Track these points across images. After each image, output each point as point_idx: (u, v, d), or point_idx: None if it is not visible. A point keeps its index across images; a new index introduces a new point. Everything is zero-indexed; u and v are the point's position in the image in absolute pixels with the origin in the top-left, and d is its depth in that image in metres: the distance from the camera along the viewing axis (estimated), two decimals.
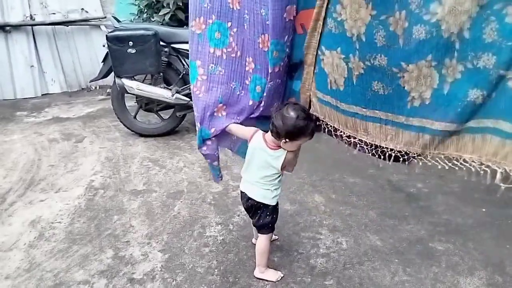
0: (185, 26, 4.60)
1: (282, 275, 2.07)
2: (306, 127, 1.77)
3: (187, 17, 4.74)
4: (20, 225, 2.61)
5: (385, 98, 1.61)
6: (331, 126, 1.89)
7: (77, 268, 2.20)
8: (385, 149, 1.70)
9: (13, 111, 5.16)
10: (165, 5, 4.71)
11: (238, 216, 2.61)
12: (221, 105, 2.02)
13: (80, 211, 2.76)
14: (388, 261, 2.16)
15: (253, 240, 2.31)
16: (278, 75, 1.95)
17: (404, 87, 1.54)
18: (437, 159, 1.57)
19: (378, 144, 1.72)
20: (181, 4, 4.70)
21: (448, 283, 1.99)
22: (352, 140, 1.80)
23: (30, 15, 5.54)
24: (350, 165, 3.15)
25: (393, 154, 1.68)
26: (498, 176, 1.37)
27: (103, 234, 2.49)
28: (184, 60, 3.84)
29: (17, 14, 5.50)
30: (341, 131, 1.84)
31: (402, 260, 2.16)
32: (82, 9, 5.78)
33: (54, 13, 5.67)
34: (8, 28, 5.50)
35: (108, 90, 5.23)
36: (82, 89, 6.12)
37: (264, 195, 1.94)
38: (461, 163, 1.50)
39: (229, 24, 1.93)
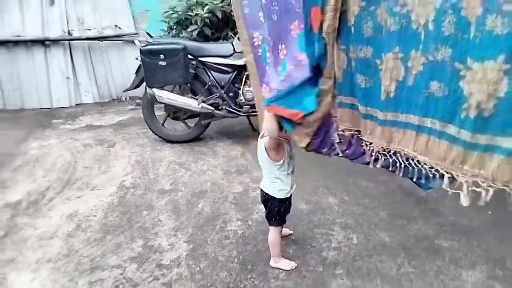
0: (211, 41, 4.92)
1: (295, 265, 2.25)
2: None
3: (213, 33, 5.10)
4: (59, 218, 2.89)
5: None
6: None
7: (111, 255, 2.44)
8: (367, 143, 1.75)
9: (49, 119, 5.54)
10: (193, 22, 5.04)
11: (257, 213, 2.82)
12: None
13: (113, 207, 3.02)
14: (395, 255, 2.32)
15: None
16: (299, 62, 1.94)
17: (381, 80, 1.58)
18: (398, 156, 1.61)
19: (362, 138, 1.78)
20: (208, 21, 5.02)
21: (450, 275, 2.14)
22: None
23: (68, 30, 5.98)
24: (363, 170, 3.26)
25: (371, 148, 1.72)
26: (446, 181, 1.42)
27: (134, 227, 2.74)
28: (210, 72, 4.13)
29: (56, 29, 5.95)
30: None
31: (408, 254, 2.32)
32: (116, 25, 6.19)
33: (89, 29, 6.10)
34: (47, 42, 5.95)
35: (137, 101, 5.56)
36: (113, 99, 6.50)
37: (270, 187, 2.16)
38: (415, 164, 1.53)
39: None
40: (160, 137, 4.39)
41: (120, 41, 6.28)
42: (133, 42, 6.22)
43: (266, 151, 2.06)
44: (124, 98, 6.47)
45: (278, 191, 2.15)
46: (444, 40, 1.33)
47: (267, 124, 1.96)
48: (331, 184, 3.20)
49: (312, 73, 1.79)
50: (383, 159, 1.72)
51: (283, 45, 2.01)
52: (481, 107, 1.28)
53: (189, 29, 5.05)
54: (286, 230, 2.50)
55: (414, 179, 1.66)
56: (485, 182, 1.33)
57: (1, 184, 3.45)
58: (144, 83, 4.17)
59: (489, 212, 2.70)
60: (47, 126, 5.18)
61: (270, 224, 2.24)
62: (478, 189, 1.36)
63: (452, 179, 1.45)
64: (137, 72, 4.31)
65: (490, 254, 2.30)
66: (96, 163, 3.88)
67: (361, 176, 3.29)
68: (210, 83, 4.15)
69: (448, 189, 1.46)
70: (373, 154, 1.75)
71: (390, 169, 1.72)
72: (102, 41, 6.15)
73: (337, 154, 1.95)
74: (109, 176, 3.58)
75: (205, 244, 2.51)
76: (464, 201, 1.41)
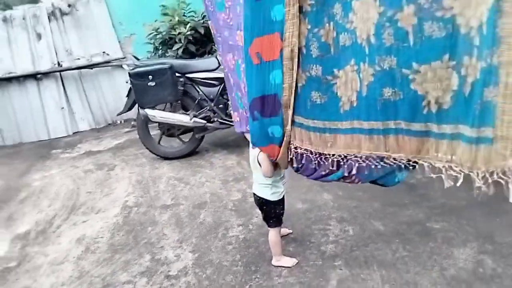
0: (196, 57, 5.07)
1: (296, 261, 2.36)
2: None
3: (197, 49, 5.25)
4: (67, 243, 3.00)
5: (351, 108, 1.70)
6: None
7: (121, 272, 2.55)
8: (328, 155, 1.86)
9: (49, 150, 5.67)
10: (177, 41, 5.19)
11: (256, 217, 2.94)
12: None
13: (119, 227, 3.13)
14: (390, 241, 2.44)
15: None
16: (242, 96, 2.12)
17: (337, 93, 1.70)
18: (370, 159, 1.70)
19: (321, 152, 1.88)
20: (191, 39, 5.18)
21: (443, 255, 2.26)
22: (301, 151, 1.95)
23: (58, 62, 6.13)
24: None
25: (335, 160, 1.82)
26: (426, 169, 1.54)
27: (140, 243, 2.85)
28: (198, 87, 4.27)
29: (46, 62, 6.11)
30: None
31: (402, 240, 2.44)
32: (104, 52, 6.33)
33: (78, 58, 6.25)
34: (39, 76, 6.10)
35: (132, 123, 5.69)
36: (109, 124, 6.62)
37: (264, 192, 2.26)
38: (392, 160, 1.63)
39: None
40: (157, 155, 4.51)
41: (110, 67, 6.43)
42: (121, 66, 6.38)
43: (259, 163, 2.17)
44: (119, 122, 6.60)
45: (271, 194, 2.26)
46: (387, 50, 1.47)
47: (262, 164, 2.13)
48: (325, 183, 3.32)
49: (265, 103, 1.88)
50: (345, 166, 1.81)
51: (229, 74, 2.19)
52: (440, 102, 1.42)
53: (174, 48, 5.20)
54: (285, 230, 2.62)
55: (378, 180, 1.77)
56: (457, 167, 1.46)
57: (9, 217, 3.57)
58: (137, 105, 4.31)
59: (476, 191, 2.81)
60: (47, 157, 5.31)
61: (268, 226, 2.36)
62: (454, 173, 1.48)
63: (431, 166, 1.56)
64: (128, 95, 4.45)
65: (479, 231, 2.42)
66: (98, 187, 4.00)
67: None
68: (199, 98, 4.28)
69: (432, 175, 1.57)
70: (334, 164, 1.84)
71: (351, 178, 1.83)
72: (92, 68, 6.29)
73: (296, 171, 2.07)
74: (112, 198, 3.69)
75: (209, 251, 2.62)
76: (446, 183, 1.53)
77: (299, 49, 1.73)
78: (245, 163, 3.97)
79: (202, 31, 5.19)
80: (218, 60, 4.21)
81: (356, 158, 1.77)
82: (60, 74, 6.20)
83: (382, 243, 2.44)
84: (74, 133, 6.41)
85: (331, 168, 1.87)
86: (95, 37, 6.29)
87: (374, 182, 1.85)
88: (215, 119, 4.29)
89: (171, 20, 5.45)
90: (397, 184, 1.80)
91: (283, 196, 2.30)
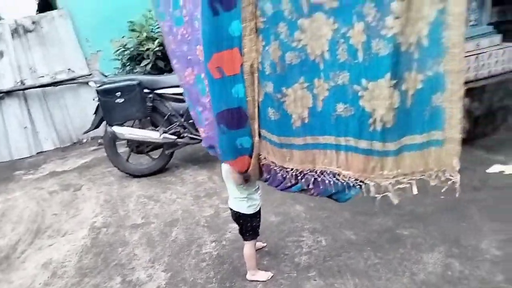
0: (165, 73, 5.04)
1: (271, 275, 2.36)
2: None
3: (166, 65, 5.22)
4: (33, 269, 2.88)
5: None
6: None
7: None
8: (289, 169, 1.89)
9: (11, 171, 5.46)
10: (145, 57, 5.16)
11: (230, 232, 2.92)
12: None
13: (87, 249, 3.03)
14: (361, 250, 2.47)
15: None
16: (204, 109, 2.14)
17: (287, 111, 1.73)
18: (325, 174, 1.72)
19: (282, 166, 1.91)
20: (160, 54, 5.16)
21: (413, 260, 2.31)
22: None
23: (21, 80, 5.95)
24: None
25: (293, 174, 1.86)
26: (372, 189, 1.59)
27: (110, 265, 2.77)
28: (168, 103, 4.23)
29: (8, 81, 5.92)
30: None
31: (373, 248, 2.48)
32: (69, 69, 6.21)
33: (42, 76, 6.09)
34: (1, 94, 5.89)
35: (99, 141, 5.57)
36: (74, 143, 6.45)
37: (239, 206, 2.26)
38: (343, 177, 1.65)
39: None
40: (126, 173, 4.42)
41: (75, 84, 6.30)
42: (87, 83, 6.26)
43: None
44: (85, 140, 6.45)
45: (247, 207, 2.26)
46: (341, 66, 1.52)
47: (232, 175, 2.15)
48: (296, 194, 3.31)
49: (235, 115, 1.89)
50: (303, 181, 1.85)
51: (188, 90, 2.22)
52: (384, 120, 1.47)
53: (142, 64, 5.17)
54: (259, 244, 2.61)
55: (333, 195, 1.81)
56: (405, 178, 1.52)
57: None
58: (104, 122, 4.23)
59: (442, 197, 2.90)
60: (9, 179, 5.11)
61: (244, 239, 2.34)
62: (402, 186, 1.54)
63: (377, 185, 1.61)
64: (95, 112, 4.36)
65: (446, 236, 2.49)
66: (64, 209, 3.87)
67: None
68: (169, 113, 4.24)
69: (376, 195, 1.62)
70: (293, 177, 1.87)
71: (310, 192, 1.87)
72: (56, 86, 6.15)
73: (265, 181, 2.10)
74: (79, 220, 3.58)
75: (183, 270, 2.57)
76: (394, 199, 1.58)
77: (257, 65, 1.75)
78: (217, 178, 3.95)
79: None
80: None
81: (311, 173, 1.80)
82: (24, 93, 6.02)
83: (354, 252, 2.47)
84: (38, 153, 6.20)
85: (293, 181, 1.89)
86: (60, 54, 6.16)
87: (330, 197, 1.88)
88: (185, 134, 4.25)
89: (139, 36, 5.42)
90: (348, 200, 1.83)
91: (259, 209, 2.31)
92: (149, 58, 5.15)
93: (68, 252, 3.03)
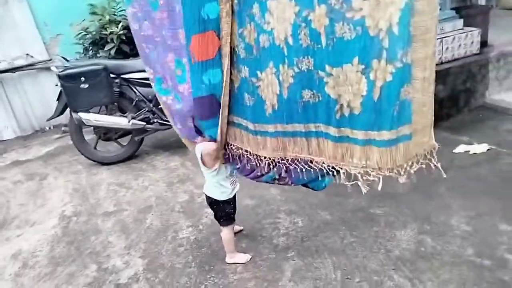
0: (130, 58, 4.89)
1: (250, 257, 2.39)
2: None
3: (131, 49, 5.07)
4: (1, 260, 2.78)
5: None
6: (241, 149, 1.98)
7: (65, 285, 2.42)
8: (262, 157, 1.89)
9: None
10: (109, 41, 4.98)
11: (206, 217, 2.91)
12: None
13: (58, 238, 2.95)
14: (337, 229, 2.54)
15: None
16: (183, 97, 2.06)
17: (261, 96, 1.71)
18: (296, 162, 1.72)
19: (255, 153, 1.91)
20: (124, 38, 4.99)
21: (387, 237, 2.40)
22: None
23: None
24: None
25: (266, 162, 1.84)
26: (341, 176, 1.61)
27: (84, 253, 2.71)
28: (136, 88, 4.12)
29: None
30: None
31: (348, 227, 2.55)
32: (27, 54, 5.89)
33: None
34: None
35: (63, 128, 5.31)
36: (36, 131, 6.17)
37: (212, 191, 2.26)
38: (315, 164, 1.65)
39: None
40: (94, 161, 4.29)
41: (34, 70, 6.00)
42: (48, 69, 5.98)
43: (201, 159, 2.15)
44: (47, 128, 6.18)
45: (220, 193, 2.26)
46: (304, 51, 1.46)
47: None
48: None
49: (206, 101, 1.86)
50: (275, 169, 1.85)
51: (167, 76, 2.13)
52: (351, 106, 1.43)
53: (106, 48, 4.98)
54: (236, 227, 2.62)
55: (308, 183, 1.83)
56: (373, 171, 1.52)
57: None
58: (68, 109, 4.07)
59: (412, 177, 3.01)
60: None
61: (220, 225, 2.35)
62: (371, 178, 1.56)
63: (347, 173, 1.63)
64: (58, 98, 4.18)
65: (417, 214, 2.59)
66: (30, 199, 3.73)
67: None
68: (137, 99, 4.13)
69: (347, 183, 1.65)
70: (266, 166, 1.86)
71: (284, 180, 1.88)
72: (14, 72, 5.83)
73: (236, 170, 2.11)
74: (47, 209, 3.46)
75: (160, 255, 2.55)
76: (363, 189, 1.60)
77: (233, 48, 1.69)
78: (189, 163, 3.91)
79: None
80: None
81: (283, 161, 1.79)
82: None
83: (330, 232, 2.53)
84: None
85: (265, 170, 1.89)
86: (17, 39, 5.82)
87: (305, 186, 1.90)
88: (155, 120, 4.17)
89: (101, 19, 5.21)
90: (324, 188, 1.85)
91: (234, 196, 2.30)
92: (113, 42, 4.96)
93: (39, 242, 2.93)
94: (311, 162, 1.70)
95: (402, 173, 1.47)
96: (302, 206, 2.86)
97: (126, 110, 4.15)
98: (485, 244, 2.22)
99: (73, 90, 3.83)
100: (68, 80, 3.80)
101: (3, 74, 5.81)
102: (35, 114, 6.13)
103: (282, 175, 1.86)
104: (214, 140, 2.01)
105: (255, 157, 1.91)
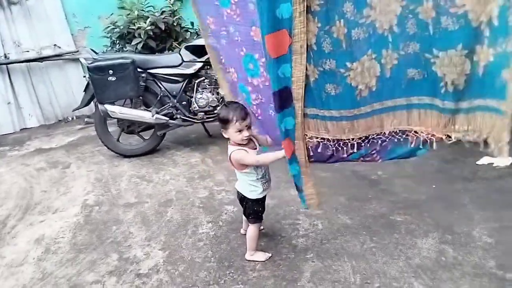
0: (156, 53, 4.98)
1: (269, 256, 2.41)
2: (227, 114, 2.15)
3: (157, 45, 5.15)
4: (25, 244, 2.85)
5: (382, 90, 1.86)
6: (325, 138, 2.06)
7: (87, 272, 2.46)
8: (347, 140, 2.00)
9: None
10: (136, 35, 5.06)
11: (226, 214, 2.94)
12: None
13: (80, 226, 3.01)
14: (357, 234, 2.54)
15: (241, 231, 2.65)
16: (257, 90, 2.19)
17: (351, 84, 1.86)
18: (393, 134, 1.91)
19: (339, 138, 2.02)
20: (151, 34, 5.07)
21: (407, 245, 2.39)
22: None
23: (4, 54, 5.75)
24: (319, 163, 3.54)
25: (355, 143, 2.00)
26: (445, 140, 1.78)
27: (105, 242, 2.76)
28: (161, 83, 4.19)
29: None
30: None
31: (368, 232, 2.55)
32: (55, 45, 6.03)
33: (27, 51, 5.90)
34: None
35: (86, 119, 5.44)
36: (59, 121, 6.32)
37: (243, 188, 2.33)
38: (413, 134, 1.85)
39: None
40: (116, 153, 4.37)
41: (61, 60, 6.13)
42: (74, 60, 6.11)
43: (231, 161, 2.23)
44: (70, 118, 6.32)
45: (250, 191, 2.31)
46: (411, 37, 1.68)
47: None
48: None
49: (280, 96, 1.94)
50: (368, 145, 2.00)
51: (232, 69, 2.25)
52: (455, 83, 1.66)
53: (133, 43, 5.07)
54: None
55: (398, 157, 1.98)
56: (474, 134, 1.71)
57: None
58: (94, 101, 4.16)
59: (434, 186, 3.00)
60: None
61: (249, 222, 2.39)
62: (469, 140, 1.73)
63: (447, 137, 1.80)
64: (85, 89, 4.28)
65: (439, 223, 2.58)
66: (53, 186, 3.81)
67: (317, 168, 3.48)
68: (162, 94, 4.20)
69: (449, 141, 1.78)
70: (352, 147, 2.03)
71: (371, 157, 2.02)
72: (41, 61, 5.97)
73: (310, 159, 2.16)
74: (70, 197, 3.54)
75: (180, 249, 2.59)
76: (466, 144, 1.75)
77: (310, 46, 1.83)
78: (210, 161, 3.96)
79: (162, 26, 5.11)
80: (181, 56, 4.17)
81: (378, 137, 1.96)
82: (7, 67, 5.82)
83: (350, 236, 2.53)
84: (21, 129, 6.04)
85: (350, 151, 2.04)
86: (46, 29, 5.96)
87: (395, 158, 2.02)
88: (178, 116, 4.23)
89: (129, 14, 5.31)
90: (421, 155, 1.96)
91: (263, 197, 2.35)
92: (140, 37, 5.05)
93: (61, 229, 3.00)
94: (409, 131, 1.88)
95: (494, 142, 1.62)
96: (322, 209, 2.86)
97: (151, 105, 4.22)
98: (507, 256, 2.20)
99: (101, 82, 3.91)
100: (96, 72, 3.89)
101: (31, 63, 5.96)
102: (59, 103, 6.27)
103: (373, 152, 2.00)
104: (292, 135, 2.06)
105: (335, 142, 2.04)
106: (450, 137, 1.78)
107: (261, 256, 2.40)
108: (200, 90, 4.21)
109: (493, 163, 3.18)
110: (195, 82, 4.20)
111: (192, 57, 4.14)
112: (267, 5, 1.73)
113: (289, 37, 1.80)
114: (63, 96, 6.24)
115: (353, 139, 2.01)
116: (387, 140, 1.96)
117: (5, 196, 3.68)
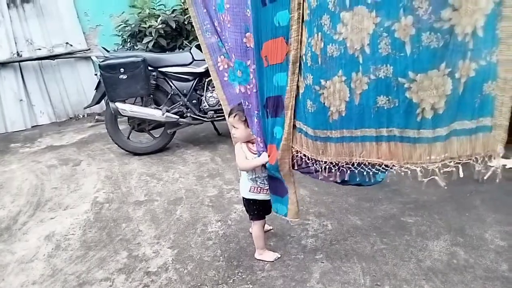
0: (167, 52, 4.99)
1: (279, 256, 2.39)
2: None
3: (168, 43, 5.17)
4: (36, 240, 2.87)
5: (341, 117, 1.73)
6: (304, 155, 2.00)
7: (96, 269, 2.47)
8: (320, 162, 1.91)
9: (7, 143, 5.38)
10: (147, 34, 5.08)
11: (235, 213, 2.94)
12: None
13: (90, 223, 3.03)
14: (367, 235, 2.52)
15: (250, 230, 2.64)
16: (244, 97, 2.15)
17: (324, 103, 1.74)
18: (363, 166, 1.75)
19: (315, 158, 1.93)
20: (162, 32, 5.09)
21: (418, 247, 2.37)
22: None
23: (17, 52, 5.82)
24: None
25: (327, 166, 1.88)
26: (419, 174, 1.59)
27: (115, 240, 2.77)
28: (171, 82, 4.20)
29: (4, 52, 5.78)
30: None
31: (379, 233, 2.53)
32: (67, 43, 6.09)
33: (39, 49, 5.97)
34: None
35: (96, 117, 5.51)
36: (70, 118, 6.38)
37: (241, 185, 2.37)
38: (383, 168, 1.68)
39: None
40: (126, 150, 4.40)
41: (73, 58, 6.19)
42: (86, 58, 6.16)
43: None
44: (81, 116, 6.38)
45: (243, 188, 2.34)
46: (383, 60, 1.50)
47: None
48: (301, 178, 3.34)
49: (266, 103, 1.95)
50: (338, 173, 1.88)
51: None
52: (435, 107, 1.47)
53: (144, 41, 5.09)
54: (266, 226, 2.63)
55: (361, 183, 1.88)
56: (452, 161, 1.54)
57: None
58: (105, 99, 4.19)
59: (445, 188, 2.96)
60: (5, 151, 5.04)
61: (251, 219, 2.38)
62: (448, 169, 1.56)
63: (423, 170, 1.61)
64: (97, 87, 4.31)
65: (450, 225, 2.55)
66: (64, 183, 3.84)
67: None
68: (172, 92, 4.22)
69: (423, 179, 1.61)
70: (326, 170, 1.91)
71: (330, 177, 1.92)
72: (53, 59, 6.03)
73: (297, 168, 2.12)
74: (80, 194, 3.57)
75: (189, 247, 2.59)
76: (441, 182, 1.59)
77: (301, 56, 1.78)
78: (219, 159, 3.96)
79: (173, 25, 5.12)
80: (192, 55, 4.17)
81: (347, 165, 1.82)
82: (19, 65, 5.89)
83: (360, 237, 2.51)
84: (33, 126, 6.12)
85: (324, 174, 1.93)
86: (58, 27, 6.03)
87: (344, 183, 1.94)
88: (188, 114, 4.24)
89: (140, 13, 5.34)
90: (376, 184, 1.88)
91: (260, 199, 2.34)
92: (151, 36, 5.07)
93: (71, 226, 3.02)
94: (379, 165, 1.72)
95: (479, 161, 1.50)
96: (331, 209, 2.85)
97: (161, 103, 4.24)
98: None
99: (112, 80, 3.93)
100: (108, 70, 3.91)
101: (43, 61, 6.02)
102: (70, 101, 6.33)
103: (339, 178, 1.90)
104: (277, 144, 2.06)
105: (313, 161, 1.96)
106: (425, 169, 1.60)
107: (270, 255, 2.39)
108: (210, 89, 4.21)
109: (506, 165, 3.13)
110: (205, 81, 4.21)
111: (202, 55, 4.13)
112: (265, 12, 1.72)
113: (286, 45, 1.77)
114: (74, 93, 6.30)
115: (325, 162, 1.90)
116: (356, 171, 1.80)
117: (17, 192, 3.72)
